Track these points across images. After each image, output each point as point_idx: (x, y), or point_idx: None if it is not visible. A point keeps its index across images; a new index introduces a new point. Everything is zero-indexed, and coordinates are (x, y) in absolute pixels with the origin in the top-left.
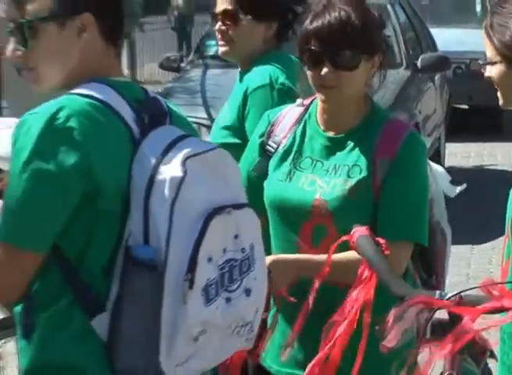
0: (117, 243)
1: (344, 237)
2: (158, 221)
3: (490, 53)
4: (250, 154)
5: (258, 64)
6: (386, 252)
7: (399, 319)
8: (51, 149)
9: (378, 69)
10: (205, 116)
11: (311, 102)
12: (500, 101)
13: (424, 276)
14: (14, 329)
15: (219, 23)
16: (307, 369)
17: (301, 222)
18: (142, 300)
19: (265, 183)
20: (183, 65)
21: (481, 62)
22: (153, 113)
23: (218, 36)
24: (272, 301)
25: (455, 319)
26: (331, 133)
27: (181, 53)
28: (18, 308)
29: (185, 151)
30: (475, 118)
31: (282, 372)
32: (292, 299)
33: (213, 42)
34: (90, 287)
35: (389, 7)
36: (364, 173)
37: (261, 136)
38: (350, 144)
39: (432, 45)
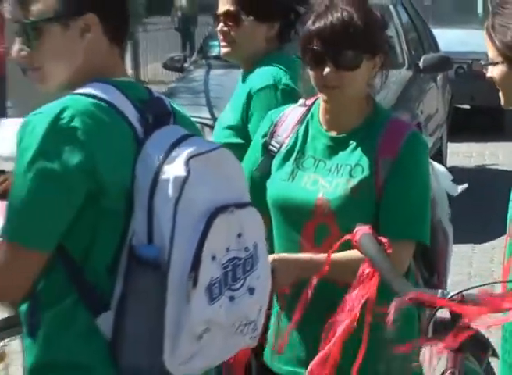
0: (121, 242)
1: (347, 236)
2: (161, 220)
3: (492, 54)
4: (253, 154)
5: (261, 65)
6: (389, 251)
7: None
8: (56, 149)
9: (380, 70)
10: (208, 116)
11: (314, 102)
12: (502, 102)
13: (426, 275)
14: (19, 328)
15: (221, 24)
16: (309, 368)
17: (304, 221)
18: (146, 299)
19: (268, 183)
20: (186, 65)
21: (482, 62)
22: (157, 113)
23: (220, 37)
24: (274, 300)
25: (457, 318)
26: (333, 133)
27: (184, 53)
28: (23, 307)
29: (188, 151)
30: (477, 118)
31: (284, 370)
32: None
33: (216, 43)
34: (95, 286)
35: (391, 8)
36: (366, 173)
37: (264, 136)
38: (353, 143)
39: (434, 46)
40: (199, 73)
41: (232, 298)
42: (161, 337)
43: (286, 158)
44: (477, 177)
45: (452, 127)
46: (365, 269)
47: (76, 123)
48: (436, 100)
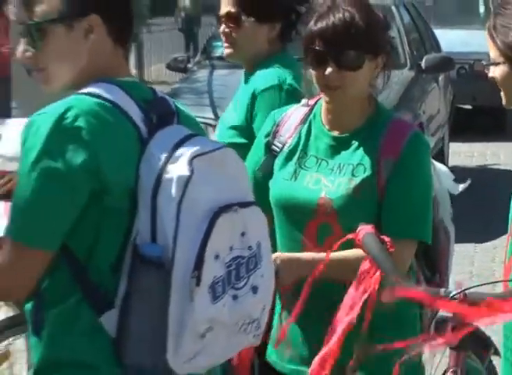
0: (125, 241)
1: (349, 236)
2: (165, 219)
3: (493, 54)
4: (256, 153)
5: (263, 66)
6: (391, 250)
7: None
8: (60, 149)
9: (382, 70)
10: (212, 116)
11: (316, 102)
12: (504, 102)
13: (427, 274)
14: (24, 326)
15: (223, 26)
16: (312, 367)
17: (306, 220)
18: (150, 297)
19: (271, 183)
20: (189, 65)
21: (484, 62)
22: (161, 113)
23: (223, 38)
24: (277, 299)
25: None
26: (336, 133)
27: (188, 54)
28: (28, 306)
29: (192, 151)
30: (479, 118)
31: (287, 368)
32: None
33: (219, 43)
34: (99, 284)
35: (393, 8)
36: (368, 173)
37: (267, 136)
38: (355, 143)
39: (436, 46)
40: (202, 74)
41: (235, 297)
42: (165, 335)
43: (288, 158)
44: (478, 177)
45: (454, 127)
46: (366, 266)
47: (80, 122)
48: (438, 100)
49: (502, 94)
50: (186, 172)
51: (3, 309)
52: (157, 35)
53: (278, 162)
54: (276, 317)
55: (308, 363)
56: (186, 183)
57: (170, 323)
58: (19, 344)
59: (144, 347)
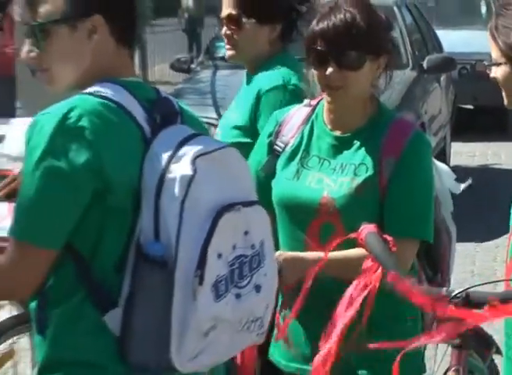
0: (128, 240)
1: (352, 235)
2: (168, 219)
3: (495, 54)
4: (259, 153)
5: (265, 67)
6: (393, 249)
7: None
8: (63, 148)
9: (384, 70)
10: (215, 115)
11: (318, 102)
12: (505, 102)
13: (429, 273)
14: (28, 325)
15: (225, 28)
16: (313, 365)
17: (309, 220)
18: (153, 296)
19: (273, 182)
20: (193, 66)
21: (486, 63)
22: (164, 113)
23: (225, 40)
24: (279, 298)
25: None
26: (338, 133)
27: (191, 54)
28: (33, 305)
29: (195, 150)
30: (480, 118)
31: (290, 367)
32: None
33: (222, 44)
34: (103, 283)
35: (395, 9)
36: (370, 172)
37: (269, 136)
38: (357, 143)
39: (438, 46)
40: (205, 74)
41: (238, 296)
42: (168, 334)
43: (291, 158)
44: (480, 177)
45: (455, 127)
46: (368, 264)
47: (84, 122)
48: (440, 100)
49: (503, 94)
50: (189, 171)
51: (7, 308)
52: (160, 36)
53: (280, 161)
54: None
55: (310, 362)
56: (189, 182)
57: (173, 321)
58: (23, 343)
59: (147, 345)
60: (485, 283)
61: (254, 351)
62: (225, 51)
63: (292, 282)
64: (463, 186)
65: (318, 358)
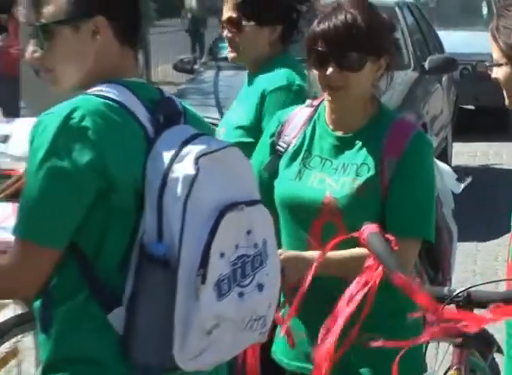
0: (131, 240)
1: (354, 234)
2: (171, 218)
3: (496, 55)
4: (261, 153)
5: (266, 68)
6: (395, 249)
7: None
8: (66, 148)
9: (386, 71)
10: (218, 116)
11: (320, 103)
12: (506, 102)
13: (430, 272)
14: (32, 324)
15: (226, 31)
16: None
17: (311, 220)
18: (156, 295)
19: (276, 182)
20: (196, 66)
21: (487, 63)
22: (168, 113)
23: (227, 42)
24: (282, 297)
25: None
26: (339, 133)
27: (194, 55)
28: (37, 303)
29: (198, 150)
30: (481, 118)
31: (292, 365)
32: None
33: (225, 44)
34: (106, 282)
35: (397, 10)
36: (372, 172)
37: (272, 136)
38: (359, 143)
39: (439, 47)
40: (208, 75)
41: (241, 295)
42: (171, 332)
43: (293, 158)
44: (481, 177)
45: (457, 127)
46: (370, 262)
47: (87, 122)
48: (441, 101)
49: (505, 94)
50: (191, 171)
51: (11, 307)
52: (163, 36)
53: (283, 161)
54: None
55: (312, 360)
56: (191, 182)
57: (176, 320)
58: (27, 342)
59: (150, 344)
60: (487, 283)
61: (257, 351)
62: (228, 49)
63: (294, 281)
64: (463, 185)
65: (318, 356)
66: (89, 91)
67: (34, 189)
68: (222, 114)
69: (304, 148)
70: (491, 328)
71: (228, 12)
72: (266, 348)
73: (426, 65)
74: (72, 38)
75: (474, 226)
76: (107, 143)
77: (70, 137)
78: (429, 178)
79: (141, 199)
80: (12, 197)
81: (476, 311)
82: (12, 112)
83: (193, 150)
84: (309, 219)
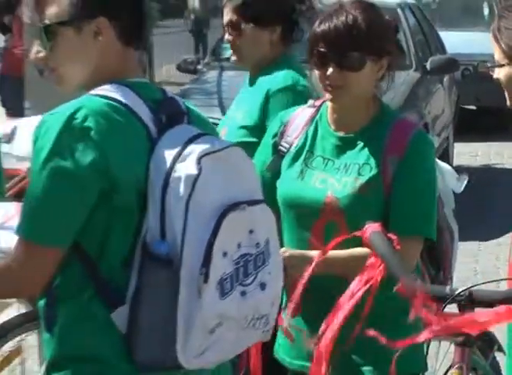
0: (135, 239)
1: (357, 233)
2: (173, 218)
3: (498, 56)
4: (264, 153)
5: (269, 69)
6: (398, 248)
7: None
8: (69, 148)
9: (387, 71)
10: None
11: (322, 103)
12: (508, 102)
13: (432, 272)
14: (36, 322)
15: (227, 34)
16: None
17: (313, 219)
18: (159, 294)
19: (278, 182)
20: (199, 67)
21: (489, 64)
22: (170, 113)
23: (229, 45)
24: (284, 296)
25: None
26: (341, 133)
27: (197, 55)
28: (41, 302)
29: (200, 149)
30: (483, 118)
31: (294, 364)
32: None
33: (228, 45)
34: (110, 281)
35: (399, 11)
36: (374, 171)
37: (274, 136)
38: (360, 143)
39: (441, 48)
40: (212, 75)
41: (243, 293)
42: (174, 331)
43: (295, 158)
44: (482, 176)
45: (458, 128)
46: (372, 260)
47: (90, 122)
48: (443, 101)
49: (506, 95)
50: (194, 171)
51: (15, 306)
52: (167, 37)
53: (285, 162)
54: (283, 313)
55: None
56: (194, 181)
57: (179, 319)
58: (31, 340)
59: (153, 343)
60: (488, 282)
61: (259, 349)
62: (231, 52)
63: (296, 280)
64: (464, 185)
65: (317, 351)
66: (92, 91)
67: (37, 189)
68: (225, 114)
69: (306, 148)
70: (491, 327)
71: (228, 16)
72: (269, 346)
73: (428, 65)
74: (74, 39)
75: (475, 225)
76: (110, 143)
77: (73, 138)
78: (431, 177)
79: (144, 199)
80: (16, 197)
81: (477, 310)
82: (17, 113)
83: (195, 150)
84: (311, 219)
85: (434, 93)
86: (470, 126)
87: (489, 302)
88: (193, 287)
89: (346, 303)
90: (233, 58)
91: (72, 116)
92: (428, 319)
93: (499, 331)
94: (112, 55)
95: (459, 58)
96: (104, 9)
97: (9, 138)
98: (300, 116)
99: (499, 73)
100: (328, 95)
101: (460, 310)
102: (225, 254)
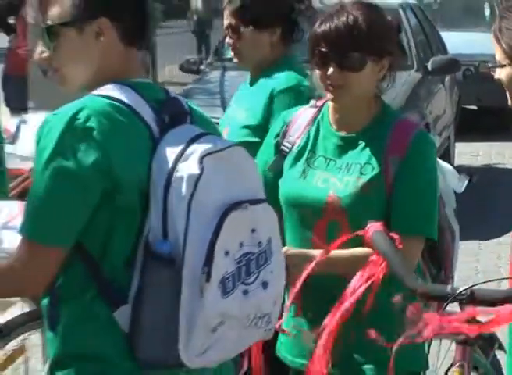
0: (137, 239)
1: (359, 233)
2: (175, 217)
3: (499, 56)
4: (266, 153)
5: (270, 69)
6: (400, 247)
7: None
8: (72, 148)
9: (388, 72)
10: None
11: (324, 104)
12: (509, 103)
13: (433, 271)
14: (40, 321)
15: (228, 37)
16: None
17: (315, 219)
18: (161, 293)
19: (280, 182)
20: (202, 67)
21: (490, 64)
22: (173, 113)
23: (230, 47)
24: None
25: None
26: (343, 133)
27: (200, 56)
28: (45, 301)
29: (202, 149)
30: (484, 118)
31: (296, 362)
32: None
33: None
34: (112, 280)
35: (400, 11)
36: (375, 171)
37: (277, 136)
38: (362, 143)
39: (442, 48)
40: (214, 75)
41: (245, 292)
42: (176, 330)
43: (297, 158)
44: (483, 176)
45: (459, 127)
46: (374, 258)
47: (92, 123)
48: (444, 101)
49: (508, 95)
50: (196, 170)
51: (19, 305)
52: (170, 37)
53: (287, 161)
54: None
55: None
56: (196, 181)
57: (181, 318)
58: (34, 339)
59: (155, 341)
60: (490, 281)
61: (260, 348)
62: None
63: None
64: (465, 185)
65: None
66: (95, 91)
67: (40, 189)
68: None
69: (308, 148)
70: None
71: (227, 19)
72: (270, 345)
73: (429, 66)
74: (76, 40)
75: (476, 225)
76: (112, 143)
77: (76, 138)
78: (432, 177)
79: (146, 199)
80: (20, 196)
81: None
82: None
83: (197, 149)
84: (313, 218)
85: (435, 93)
86: (471, 126)
87: (491, 301)
88: (195, 286)
89: (347, 299)
90: (235, 60)
91: (74, 117)
92: (429, 321)
93: (499, 330)
94: (114, 56)
95: (460, 58)
96: (106, 10)
97: (13, 139)
98: (302, 116)
99: (501, 74)
100: (329, 95)
101: (461, 309)
102: (227, 253)
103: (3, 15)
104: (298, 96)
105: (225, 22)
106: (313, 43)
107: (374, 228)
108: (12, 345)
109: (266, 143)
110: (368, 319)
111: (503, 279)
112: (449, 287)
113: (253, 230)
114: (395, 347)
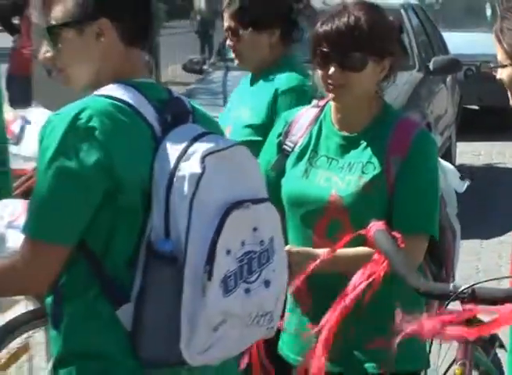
0: (139, 238)
1: (361, 232)
2: (177, 216)
3: (500, 56)
4: (268, 153)
5: (271, 70)
6: (402, 246)
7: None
8: (74, 148)
9: (390, 72)
10: None
11: (326, 103)
12: (510, 102)
13: (434, 270)
14: (44, 319)
15: (228, 39)
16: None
17: (317, 217)
18: (163, 292)
19: (283, 181)
20: (205, 67)
21: (491, 64)
22: (176, 112)
23: (231, 49)
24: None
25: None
26: (345, 132)
27: (203, 56)
28: (49, 300)
29: (204, 148)
30: (485, 118)
31: (298, 361)
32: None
33: None
34: (115, 279)
35: (402, 12)
36: (377, 170)
37: (279, 136)
38: (364, 142)
39: (444, 48)
40: (217, 75)
41: (247, 291)
42: (178, 328)
43: (299, 157)
44: (485, 175)
45: (461, 127)
46: (375, 256)
47: (94, 122)
48: (446, 101)
49: (509, 95)
50: (198, 169)
51: (23, 303)
52: (173, 37)
53: (289, 161)
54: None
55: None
56: (198, 180)
57: (183, 316)
58: (38, 337)
59: (157, 340)
60: (491, 280)
61: (261, 346)
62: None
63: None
64: (465, 185)
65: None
66: (97, 91)
67: (43, 188)
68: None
69: (311, 147)
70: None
71: (227, 22)
72: (272, 343)
73: (431, 65)
74: (77, 40)
75: (477, 224)
76: (114, 143)
77: (78, 138)
78: (433, 177)
79: (148, 198)
80: (23, 196)
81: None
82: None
83: (199, 148)
84: (315, 217)
85: (437, 93)
86: (472, 126)
87: (492, 300)
88: (197, 285)
89: (348, 296)
90: (236, 61)
91: (76, 116)
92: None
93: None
94: (114, 56)
95: (462, 58)
96: (106, 11)
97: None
98: (304, 116)
99: (502, 74)
100: (331, 94)
101: (463, 308)
102: (228, 252)
103: (7, 15)
104: (302, 96)
105: (225, 24)
106: (314, 43)
107: (376, 227)
108: (16, 343)
109: (268, 142)
110: (368, 315)
111: (504, 278)
112: (451, 285)
113: (255, 229)
114: (395, 342)
